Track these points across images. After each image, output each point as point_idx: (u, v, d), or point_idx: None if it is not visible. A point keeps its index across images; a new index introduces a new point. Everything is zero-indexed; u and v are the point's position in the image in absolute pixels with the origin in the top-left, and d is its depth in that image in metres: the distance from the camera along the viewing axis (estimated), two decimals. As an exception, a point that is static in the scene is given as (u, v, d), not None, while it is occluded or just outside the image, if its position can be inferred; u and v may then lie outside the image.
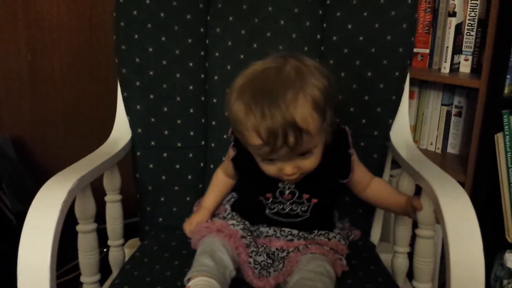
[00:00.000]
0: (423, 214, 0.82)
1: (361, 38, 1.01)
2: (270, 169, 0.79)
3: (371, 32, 1.00)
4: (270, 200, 0.86)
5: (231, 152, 0.90)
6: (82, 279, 0.91)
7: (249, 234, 0.86)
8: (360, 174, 0.89)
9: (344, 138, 0.86)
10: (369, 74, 1.01)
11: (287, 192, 0.85)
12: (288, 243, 0.85)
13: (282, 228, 0.87)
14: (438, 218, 0.71)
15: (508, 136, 1.24)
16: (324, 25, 1.04)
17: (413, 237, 0.88)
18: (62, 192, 0.74)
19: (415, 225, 0.86)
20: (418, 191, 0.86)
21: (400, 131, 1.01)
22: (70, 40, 1.60)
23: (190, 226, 0.94)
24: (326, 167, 0.83)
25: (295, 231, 0.87)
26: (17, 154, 1.54)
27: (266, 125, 0.70)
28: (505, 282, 1.29)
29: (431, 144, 1.49)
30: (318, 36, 1.04)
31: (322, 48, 1.04)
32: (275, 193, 0.85)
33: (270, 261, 0.83)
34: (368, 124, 1.02)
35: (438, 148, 1.48)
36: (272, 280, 0.80)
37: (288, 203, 0.86)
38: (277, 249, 0.85)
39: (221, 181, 0.96)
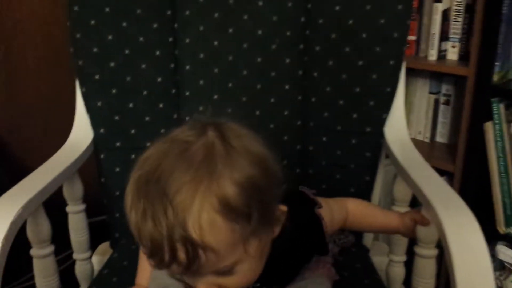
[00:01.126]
0: (424, 231, 0.61)
1: (350, 22, 0.78)
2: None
3: (362, 15, 0.77)
4: None
5: None
6: (42, 305, 0.69)
7: None
8: (335, 220, 0.61)
9: (319, 231, 0.58)
10: (360, 62, 0.78)
11: None
12: None
13: None
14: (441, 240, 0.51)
15: (497, 125, 1.04)
16: (309, 5, 0.80)
17: (410, 245, 0.68)
18: (3, 226, 0.54)
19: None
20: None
21: (396, 127, 0.79)
22: (45, 30, 1.34)
23: None
24: (297, 257, 0.58)
25: None
26: (-9, 148, 1.31)
27: (147, 231, 0.42)
28: (496, 274, 1.12)
29: (419, 133, 1.28)
30: (302, 19, 0.80)
31: (307, 32, 0.81)
32: None
33: None
34: (360, 119, 0.80)
35: (426, 137, 1.27)
36: None
37: None
38: None
39: None
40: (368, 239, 0.87)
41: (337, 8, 0.78)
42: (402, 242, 0.75)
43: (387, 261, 0.78)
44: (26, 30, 1.32)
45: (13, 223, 0.54)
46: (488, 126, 1.05)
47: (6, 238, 0.52)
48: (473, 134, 1.09)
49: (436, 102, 1.23)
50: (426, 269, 0.62)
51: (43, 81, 1.38)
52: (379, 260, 0.81)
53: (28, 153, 1.40)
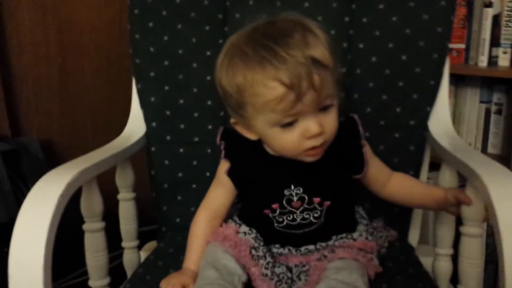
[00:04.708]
0: (470, 209, 0.65)
1: (394, 19, 0.84)
2: (290, 139, 0.62)
3: (405, 11, 0.84)
4: (278, 212, 0.69)
5: (224, 166, 0.73)
6: (91, 283, 0.78)
7: (262, 244, 0.69)
8: (376, 168, 0.73)
9: (353, 128, 0.71)
10: (404, 57, 0.84)
11: (295, 199, 0.68)
12: (307, 257, 0.69)
13: (298, 248, 0.70)
14: (489, 213, 0.55)
15: (554, 130, 1.04)
16: (353, 6, 0.88)
17: (457, 237, 0.71)
18: (59, 185, 0.62)
19: (458, 223, 0.69)
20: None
21: (440, 120, 0.83)
22: (100, 43, 1.51)
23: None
24: (335, 162, 0.68)
25: (311, 247, 0.70)
26: (46, 156, 1.45)
27: (287, 68, 0.57)
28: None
29: (470, 144, 1.30)
30: (347, 19, 0.88)
31: (351, 31, 0.88)
32: (282, 203, 0.68)
33: (289, 274, 0.67)
34: (404, 113, 0.84)
35: (478, 149, 1.28)
36: None
37: (298, 212, 0.68)
38: (296, 265, 0.69)
39: (203, 231, 0.72)
40: (413, 238, 0.89)
41: (381, 6, 0.85)
42: (448, 234, 0.76)
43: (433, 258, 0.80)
44: (82, 44, 1.49)
45: (69, 184, 0.62)
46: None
47: (62, 195, 0.60)
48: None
49: (488, 111, 1.25)
50: (472, 249, 0.64)
51: (95, 92, 1.53)
52: (424, 260, 0.81)
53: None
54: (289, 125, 0.61)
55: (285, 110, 0.59)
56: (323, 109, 0.61)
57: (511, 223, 0.51)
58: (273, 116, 0.60)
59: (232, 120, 0.69)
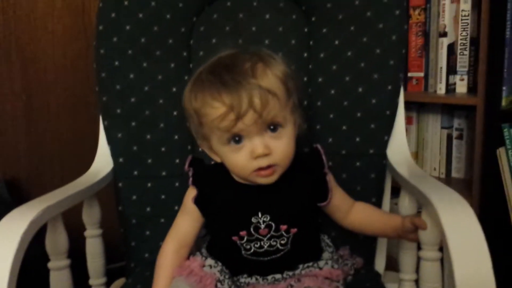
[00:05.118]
0: (426, 234, 0.69)
1: (349, 54, 0.90)
2: (239, 158, 0.67)
3: (359, 46, 0.90)
4: (245, 239, 0.72)
5: (191, 193, 0.76)
6: (56, 323, 0.78)
7: (228, 277, 0.72)
8: (338, 198, 0.77)
9: (317, 157, 0.75)
10: (360, 89, 0.90)
11: (262, 226, 0.71)
12: (274, 286, 0.72)
13: (265, 277, 0.73)
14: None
15: (510, 150, 1.12)
16: (311, 42, 0.94)
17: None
18: (22, 222, 0.64)
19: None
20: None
21: (398, 148, 0.89)
22: (66, 80, 1.52)
23: None
24: (301, 190, 0.73)
25: (278, 275, 0.73)
26: (13, 195, 1.43)
27: (228, 89, 0.63)
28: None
29: (435, 169, 1.36)
30: (305, 54, 0.94)
31: (310, 66, 0.94)
32: (250, 230, 0.71)
33: None
34: (363, 142, 0.89)
35: (442, 173, 1.35)
36: None
37: (265, 239, 0.71)
38: None
39: (170, 261, 0.75)
40: (380, 265, 0.93)
41: (337, 42, 0.91)
42: (411, 259, 0.80)
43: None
44: (48, 81, 1.49)
45: (32, 222, 0.64)
46: (501, 152, 1.12)
47: (25, 233, 0.62)
48: (487, 163, 1.16)
49: (449, 137, 1.32)
50: (431, 273, 0.68)
51: (62, 129, 1.53)
52: (392, 287, 0.85)
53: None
54: (236, 143, 0.66)
55: (227, 128, 0.64)
56: (273, 130, 0.66)
57: (461, 248, 0.55)
58: (220, 134, 0.66)
59: (199, 142, 0.74)
